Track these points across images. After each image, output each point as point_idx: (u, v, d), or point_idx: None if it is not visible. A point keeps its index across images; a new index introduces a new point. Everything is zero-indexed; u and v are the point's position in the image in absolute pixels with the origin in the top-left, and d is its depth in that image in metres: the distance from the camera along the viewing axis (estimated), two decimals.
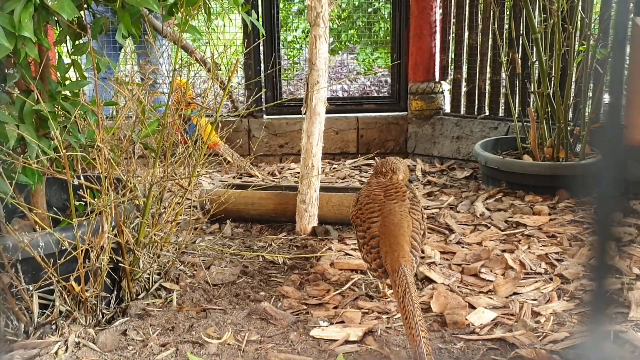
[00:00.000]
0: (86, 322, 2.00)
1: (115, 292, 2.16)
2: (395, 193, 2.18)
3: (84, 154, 2.03)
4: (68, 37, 2.03)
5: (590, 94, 3.58)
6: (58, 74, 2.06)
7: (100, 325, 2.02)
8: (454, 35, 4.45)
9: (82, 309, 2.00)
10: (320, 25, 2.79)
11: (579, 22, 3.48)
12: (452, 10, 4.42)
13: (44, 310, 1.97)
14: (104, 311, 2.07)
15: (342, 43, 7.00)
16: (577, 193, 3.39)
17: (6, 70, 1.94)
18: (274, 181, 3.90)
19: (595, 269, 0.68)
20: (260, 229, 3.04)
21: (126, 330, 1.97)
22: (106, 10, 3.31)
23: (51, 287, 1.93)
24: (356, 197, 2.31)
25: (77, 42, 2.05)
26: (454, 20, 4.43)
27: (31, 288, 1.91)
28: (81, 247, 1.90)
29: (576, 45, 3.48)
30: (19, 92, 1.92)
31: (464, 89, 4.45)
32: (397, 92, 4.71)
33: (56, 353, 1.84)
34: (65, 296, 1.96)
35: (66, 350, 1.85)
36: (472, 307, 2.11)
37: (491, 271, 2.40)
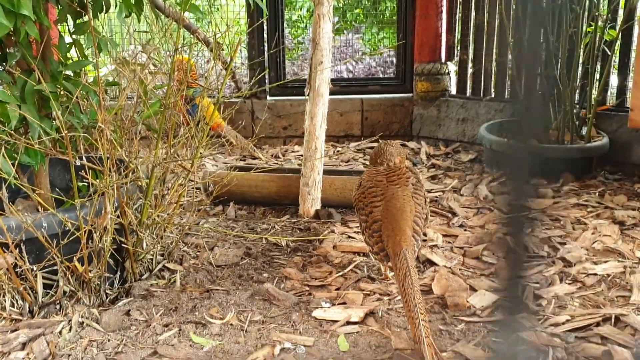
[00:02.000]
0: (90, 302, 2.01)
1: (118, 273, 2.17)
2: (399, 178, 2.17)
3: (86, 135, 2.03)
4: (69, 16, 2.02)
5: (597, 76, 3.54)
6: (59, 54, 2.05)
7: (103, 306, 2.03)
8: (460, 15, 4.40)
9: (85, 289, 2.01)
10: (324, 4, 2.76)
11: (587, 3, 3.43)
12: None
13: (48, 290, 1.98)
14: (107, 291, 2.08)
15: (348, 22, 6.94)
16: (582, 176, 3.37)
17: (7, 50, 1.93)
18: (277, 164, 3.90)
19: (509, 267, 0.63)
20: (263, 211, 3.04)
21: (129, 310, 1.99)
22: None
23: (55, 268, 1.94)
24: (359, 180, 2.31)
25: (78, 21, 2.04)
26: (461, 0, 4.38)
27: (35, 268, 1.92)
28: (84, 228, 1.91)
29: (584, 27, 3.44)
30: (20, 71, 1.91)
31: (470, 70, 4.41)
32: (402, 73, 4.67)
33: (60, 332, 1.85)
34: (69, 276, 1.97)
35: (70, 329, 1.87)
36: (474, 289, 2.11)
37: (493, 254, 2.40)
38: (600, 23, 3.40)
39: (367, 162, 3.93)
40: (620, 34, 3.40)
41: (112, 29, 4.85)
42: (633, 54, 3.53)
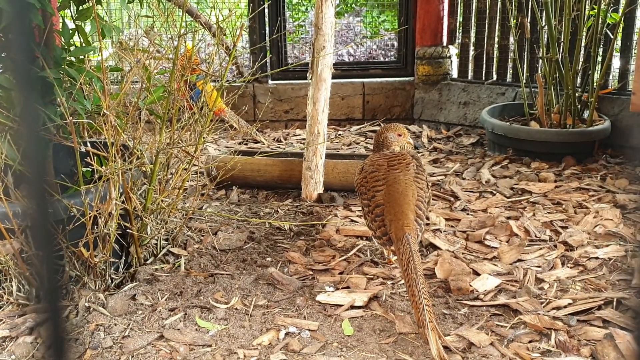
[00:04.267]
0: (95, 286, 2.03)
1: (123, 258, 2.19)
2: (399, 163, 2.17)
3: (90, 121, 2.03)
4: (72, 2, 2.01)
5: (599, 59, 3.54)
6: (62, 40, 2.04)
7: (109, 290, 2.05)
8: None
9: (91, 274, 2.03)
10: None
11: None
12: None
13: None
14: (112, 276, 2.10)
15: (348, 5, 6.89)
16: (584, 160, 3.38)
17: (10, 36, 1.93)
18: (279, 147, 3.90)
19: None
20: (266, 196, 3.05)
21: (135, 295, 2.00)
22: None
23: (61, 253, 1.96)
24: (361, 165, 2.31)
25: (80, 7, 2.03)
26: None
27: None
28: (89, 213, 1.92)
29: (586, 10, 3.42)
30: None
31: (471, 54, 4.39)
32: (404, 57, 4.66)
33: (67, 317, 1.87)
34: (75, 261, 1.99)
35: (77, 314, 1.89)
36: (477, 273, 2.13)
37: (496, 238, 2.42)
38: (603, 6, 3.39)
39: (369, 146, 3.93)
40: (622, 17, 3.39)
41: (112, 12, 4.82)
42: (635, 38, 3.52)
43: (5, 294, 1.94)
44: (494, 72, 4.29)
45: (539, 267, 2.16)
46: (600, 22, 3.37)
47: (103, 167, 1.96)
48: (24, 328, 1.81)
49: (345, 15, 6.66)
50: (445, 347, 1.65)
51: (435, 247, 2.36)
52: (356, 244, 2.41)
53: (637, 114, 3.41)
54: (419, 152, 3.77)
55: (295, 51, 5.83)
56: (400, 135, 2.29)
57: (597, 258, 2.20)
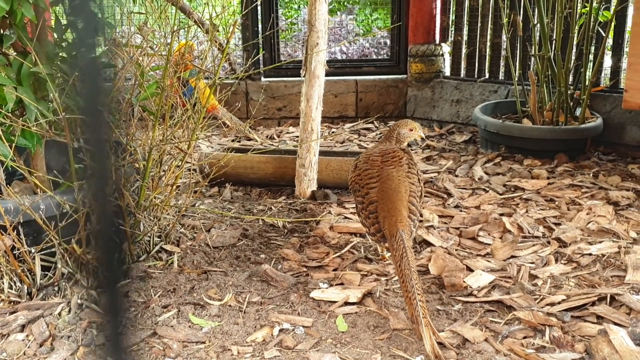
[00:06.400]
0: (88, 283, 2.02)
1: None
2: (392, 159, 2.18)
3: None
4: None
5: (591, 57, 3.55)
6: (55, 35, 2.02)
7: (102, 287, 2.04)
8: None
9: (83, 271, 2.02)
10: None
11: None
12: None
13: (47, 272, 1.99)
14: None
15: (341, 3, 6.89)
16: (576, 157, 3.39)
17: (2, 32, 1.91)
18: (272, 145, 3.89)
19: None
20: (259, 193, 3.05)
21: (128, 292, 1.99)
22: None
23: (53, 250, 1.94)
24: (354, 163, 2.31)
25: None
26: None
27: (33, 250, 1.92)
28: (82, 210, 1.91)
29: (578, 8, 3.43)
30: (16, 54, 1.89)
31: (464, 52, 4.40)
32: (396, 55, 4.65)
33: (59, 314, 1.86)
34: (67, 258, 1.98)
35: (69, 311, 1.88)
36: (470, 269, 2.13)
37: (489, 235, 2.42)
38: (594, 4, 3.40)
39: (363, 144, 3.93)
40: (614, 15, 3.40)
41: (103, 9, 4.79)
42: (627, 35, 3.53)
43: None
44: (487, 70, 4.30)
45: (532, 263, 2.17)
46: (592, 20, 3.38)
47: None
48: (15, 325, 1.80)
49: (338, 13, 6.65)
50: (440, 343, 1.66)
51: (428, 244, 2.36)
52: (350, 241, 2.41)
53: (629, 111, 3.43)
54: (412, 150, 3.77)
55: (288, 49, 5.82)
56: (411, 130, 2.33)
57: (590, 254, 2.21)
